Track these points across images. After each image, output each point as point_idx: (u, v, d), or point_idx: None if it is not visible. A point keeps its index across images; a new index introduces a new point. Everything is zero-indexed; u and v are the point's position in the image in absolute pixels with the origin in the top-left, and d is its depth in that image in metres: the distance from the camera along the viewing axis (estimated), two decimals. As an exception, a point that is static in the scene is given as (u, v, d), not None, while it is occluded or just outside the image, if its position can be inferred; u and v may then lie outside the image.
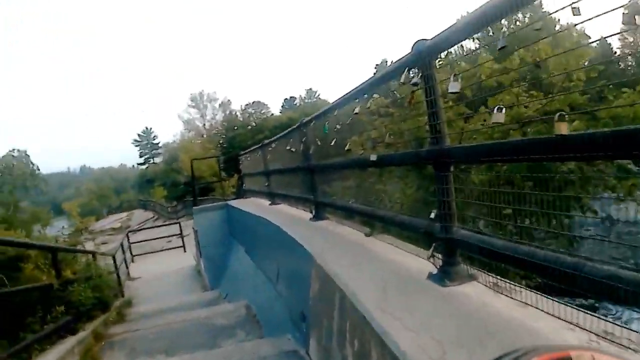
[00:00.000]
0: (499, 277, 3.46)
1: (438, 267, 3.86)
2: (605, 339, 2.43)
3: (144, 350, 8.11)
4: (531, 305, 2.97)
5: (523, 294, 3.09)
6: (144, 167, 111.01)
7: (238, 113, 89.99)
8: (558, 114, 2.39)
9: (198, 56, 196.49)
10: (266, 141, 13.07)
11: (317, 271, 5.15)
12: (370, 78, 4.87)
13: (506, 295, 3.23)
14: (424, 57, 3.61)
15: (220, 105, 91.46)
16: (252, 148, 16.38)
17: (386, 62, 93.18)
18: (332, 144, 6.50)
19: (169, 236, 29.38)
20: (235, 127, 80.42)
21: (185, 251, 25.84)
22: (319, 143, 7.43)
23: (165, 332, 8.88)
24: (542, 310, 2.86)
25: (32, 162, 31.70)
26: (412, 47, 3.74)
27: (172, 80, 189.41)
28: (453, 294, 3.43)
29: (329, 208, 7.78)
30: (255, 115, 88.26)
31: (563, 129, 2.38)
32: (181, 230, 27.55)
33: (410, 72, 3.89)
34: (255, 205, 13.33)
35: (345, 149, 6.00)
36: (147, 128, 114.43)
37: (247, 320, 8.99)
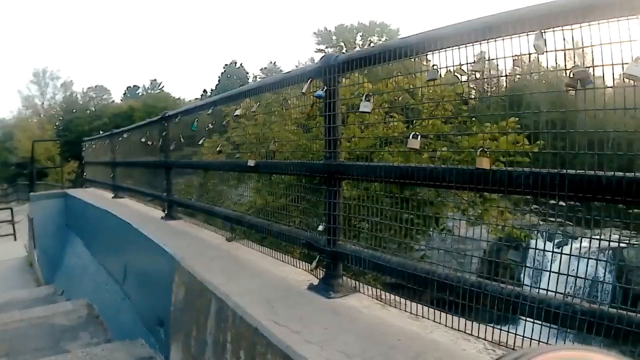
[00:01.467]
0: (380, 289, 3.61)
1: (319, 278, 3.89)
2: (500, 346, 2.59)
3: None
4: (423, 317, 3.07)
5: (410, 305, 3.20)
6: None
7: (79, 96, 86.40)
8: (480, 148, 2.54)
9: (45, 29, 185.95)
10: (116, 130, 12.68)
11: (181, 276, 5.02)
12: (262, 81, 4.84)
13: (395, 308, 3.32)
14: (331, 71, 3.61)
15: (62, 85, 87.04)
16: (99, 135, 15.77)
17: (235, 63, 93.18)
18: (200, 142, 6.37)
19: (-2, 222, 27.53)
20: (74, 110, 77.20)
21: (15, 239, 24.14)
22: (182, 140, 7.24)
23: (2, 333, 8.23)
24: (434, 321, 2.96)
25: None
26: (321, 60, 3.76)
27: (15, 51, 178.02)
28: (343, 307, 3.45)
29: (183, 208, 7.63)
30: (96, 100, 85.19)
31: (485, 163, 2.50)
32: (12, 217, 25.77)
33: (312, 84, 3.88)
34: (97, 197, 12.87)
35: (217, 149, 5.92)
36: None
37: (89, 321, 8.58)
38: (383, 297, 3.50)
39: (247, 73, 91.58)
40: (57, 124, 72.82)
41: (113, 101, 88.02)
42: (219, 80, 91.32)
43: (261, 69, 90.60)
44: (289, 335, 2.97)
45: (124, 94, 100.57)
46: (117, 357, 5.94)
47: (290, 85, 4.37)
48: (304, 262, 4.39)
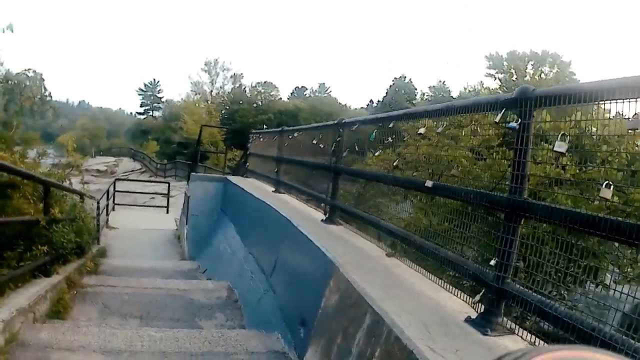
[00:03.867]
0: (536, 335, 3.44)
1: (478, 312, 3.81)
2: None
3: (117, 310, 7.89)
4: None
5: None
6: (142, 117, 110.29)
7: (247, 88, 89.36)
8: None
9: (223, 25, 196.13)
10: (286, 128, 12.89)
11: (338, 283, 5.01)
12: (450, 103, 4.75)
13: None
14: (527, 104, 3.52)
15: (232, 76, 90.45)
16: (268, 130, 16.11)
17: (405, 77, 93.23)
18: (377, 154, 6.39)
19: (154, 193, 29.22)
20: (241, 102, 79.92)
21: (167, 212, 25.50)
22: (357, 148, 7.29)
23: (140, 296, 8.62)
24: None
25: (45, 87, 30.33)
26: (516, 91, 3.65)
27: (192, 40, 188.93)
28: (498, 346, 3.37)
29: (344, 214, 7.65)
30: (264, 95, 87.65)
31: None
32: (169, 191, 27.22)
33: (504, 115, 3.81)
34: (257, 189, 13.07)
35: (394, 164, 5.91)
36: (154, 80, 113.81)
37: (227, 304, 8.78)
38: (537, 343, 3.37)
39: (416, 89, 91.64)
40: (222, 112, 75.50)
41: (280, 98, 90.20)
42: (386, 93, 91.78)
43: (429, 87, 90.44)
44: (443, 365, 2.90)
45: (291, 93, 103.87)
46: (251, 345, 6.00)
47: (480, 112, 4.29)
48: (461, 292, 4.33)
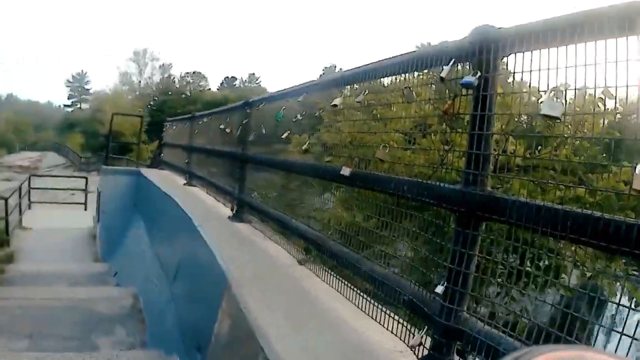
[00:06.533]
0: None
1: (420, 358, 2.59)
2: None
3: (7, 328, 7.03)
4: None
5: None
6: (70, 109, 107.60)
7: (176, 79, 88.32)
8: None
9: (152, 13, 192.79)
10: (197, 113, 12.03)
11: (230, 304, 3.90)
12: (377, 63, 3.43)
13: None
14: (487, 50, 2.29)
15: (161, 66, 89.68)
16: (180, 117, 15.07)
17: (335, 67, 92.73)
18: (284, 136, 5.19)
19: (74, 189, 27.71)
20: (170, 93, 78.91)
21: (86, 209, 23.79)
22: (264, 131, 6.17)
23: (34, 310, 7.74)
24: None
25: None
26: (471, 33, 2.42)
27: (120, 30, 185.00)
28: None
29: (256, 212, 6.49)
30: (193, 86, 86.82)
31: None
32: (86, 186, 25.58)
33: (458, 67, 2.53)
34: (168, 181, 12.32)
35: (303, 148, 4.66)
36: (82, 71, 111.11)
37: (130, 314, 7.94)
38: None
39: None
40: (151, 103, 74.41)
41: (209, 89, 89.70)
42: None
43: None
44: None
45: (220, 84, 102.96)
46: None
47: (417, 70, 2.97)
48: (390, 317, 2.99)
